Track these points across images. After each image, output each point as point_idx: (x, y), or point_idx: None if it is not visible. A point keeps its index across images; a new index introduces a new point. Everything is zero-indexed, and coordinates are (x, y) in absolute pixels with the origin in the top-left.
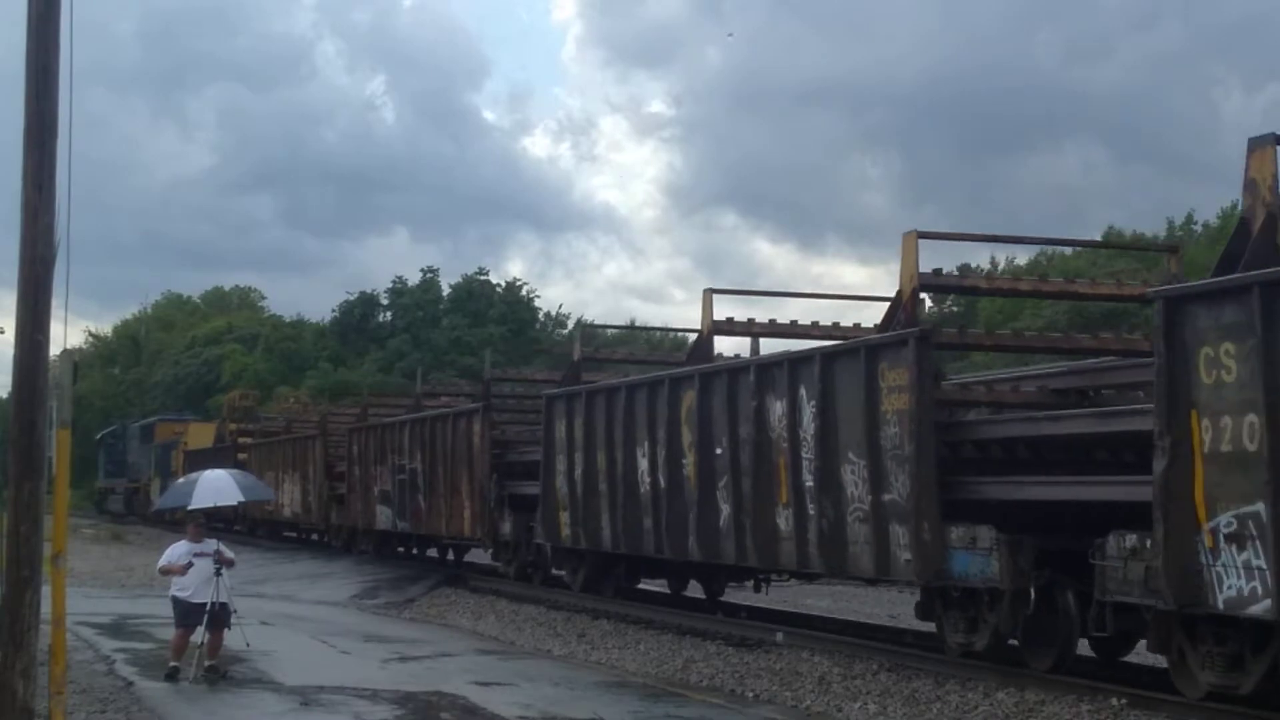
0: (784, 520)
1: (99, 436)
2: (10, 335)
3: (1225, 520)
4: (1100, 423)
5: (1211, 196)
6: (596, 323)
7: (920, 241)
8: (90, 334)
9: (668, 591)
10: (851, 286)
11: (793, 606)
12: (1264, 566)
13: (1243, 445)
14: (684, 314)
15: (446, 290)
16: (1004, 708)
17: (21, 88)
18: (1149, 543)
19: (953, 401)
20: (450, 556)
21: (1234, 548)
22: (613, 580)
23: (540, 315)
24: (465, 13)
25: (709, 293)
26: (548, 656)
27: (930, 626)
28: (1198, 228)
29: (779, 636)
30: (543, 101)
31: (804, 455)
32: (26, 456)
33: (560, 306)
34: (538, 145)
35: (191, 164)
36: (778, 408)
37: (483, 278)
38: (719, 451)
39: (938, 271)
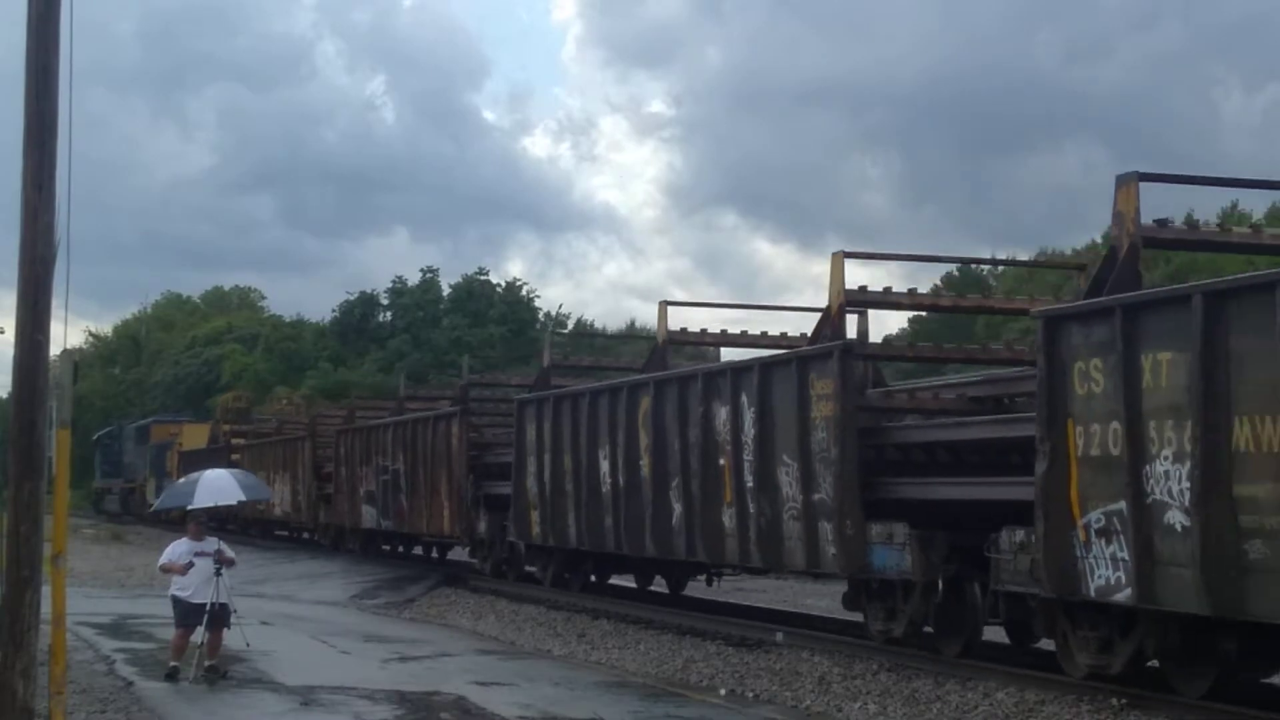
0: (728, 518)
1: (95, 437)
2: (10, 335)
3: (1095, 517)
4: (995, 429)
5: (1211, 197)
6: (596, 323)
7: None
8: (90, 334)
9: (634, 586)
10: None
11: (793, 606)
12: (1126, 558)
13: (1109, 450)
14: (685, 315)
15: (446, 290)
16: (1004, 708)
17: (21, 88)
18: (1034, 537)
19: (875, 408)
20: (435, 554)
21: (1103, 541)
22: (580, 576)
23: (540, 315)
24: (465, 13)
25: (663, 305)
26: (548, 656)
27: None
28: None
29: (779, 636)
30: (543, 101)
31: (745, 458)
32: (26, 456)
33: (560, 306)
34: (538, 145)
35: (191, 164)
36: (722, 413)
37: (483, 278)
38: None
39: (863, 289)
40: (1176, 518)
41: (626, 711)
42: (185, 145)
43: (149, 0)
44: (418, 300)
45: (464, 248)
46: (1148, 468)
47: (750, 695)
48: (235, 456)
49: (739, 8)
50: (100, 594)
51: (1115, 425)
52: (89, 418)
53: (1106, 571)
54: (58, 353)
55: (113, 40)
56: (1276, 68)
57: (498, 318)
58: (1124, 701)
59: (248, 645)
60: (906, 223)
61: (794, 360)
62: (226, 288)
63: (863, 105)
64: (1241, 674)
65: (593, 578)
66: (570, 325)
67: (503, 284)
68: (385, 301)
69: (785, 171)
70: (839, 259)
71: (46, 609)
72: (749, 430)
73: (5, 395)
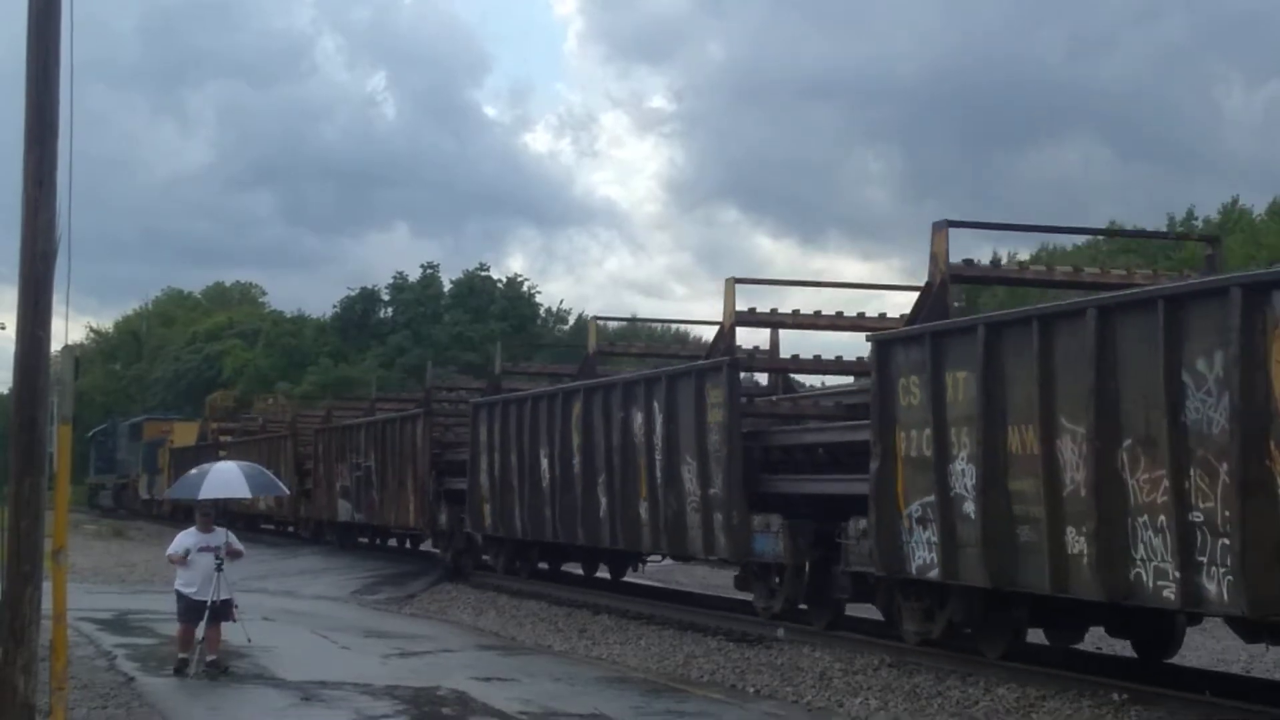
0: (644, 510)
1: (90, 434)
2: (11, 331)
3: (915, 508)
4: (845, 433)
5: (1213, 192)
6: (601, 316)
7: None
8: (91, 330)
9: (581, 573)
10: (853, 280)
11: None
12: (936, 542)
13: (923, 452)
14: (685, 308)
15: (448, 286)
16: (1005, 703)
17: (22, 85)
18: (870, 525)
19: (762, 414)
20: (408, 545)
21: (920, 528)
22: (527, 564)
23: (541, 311)
24: (466, 8)
25: (731, 282)
26: (548, 652)
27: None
28: (1198, 223)
29: (780, 632)
30: (544, 97)
31: (656, 457)
32: (27, 452)
33: (561, 302)
34: (539, 141)
35: (192, 160)
36: (639, 418)
37: (484, 273)
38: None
39: (753, 310)
40: (969, 508)
41: (628, 707)
42: (185, 141)
43: None
44: (419, 296)
45: (465, 243)
46: (950, 466)
47: (751, 690)
48: (222, 453)
49: (740, 2)
50: (101, 589)
51: (928, 431)
52: (90, 413)
53: (923, 553)
54: (59, 349)
55: (113, 36)
56: (1278, 64)
57: (499, 313)
58: (1125, 697)
59: (249, 641)
60: (909, 218)
61: (693, 372)
62: (227, 283)
63: (865, 100)
64: (1056, 642)
65: (544, 565)
66: (571, 321)
67: (504, 280)
68: (386, 297)
69: (787, 167)
70: (731, 284)
71: (47, 605)
72: (659, 433)
73: (6, 391)
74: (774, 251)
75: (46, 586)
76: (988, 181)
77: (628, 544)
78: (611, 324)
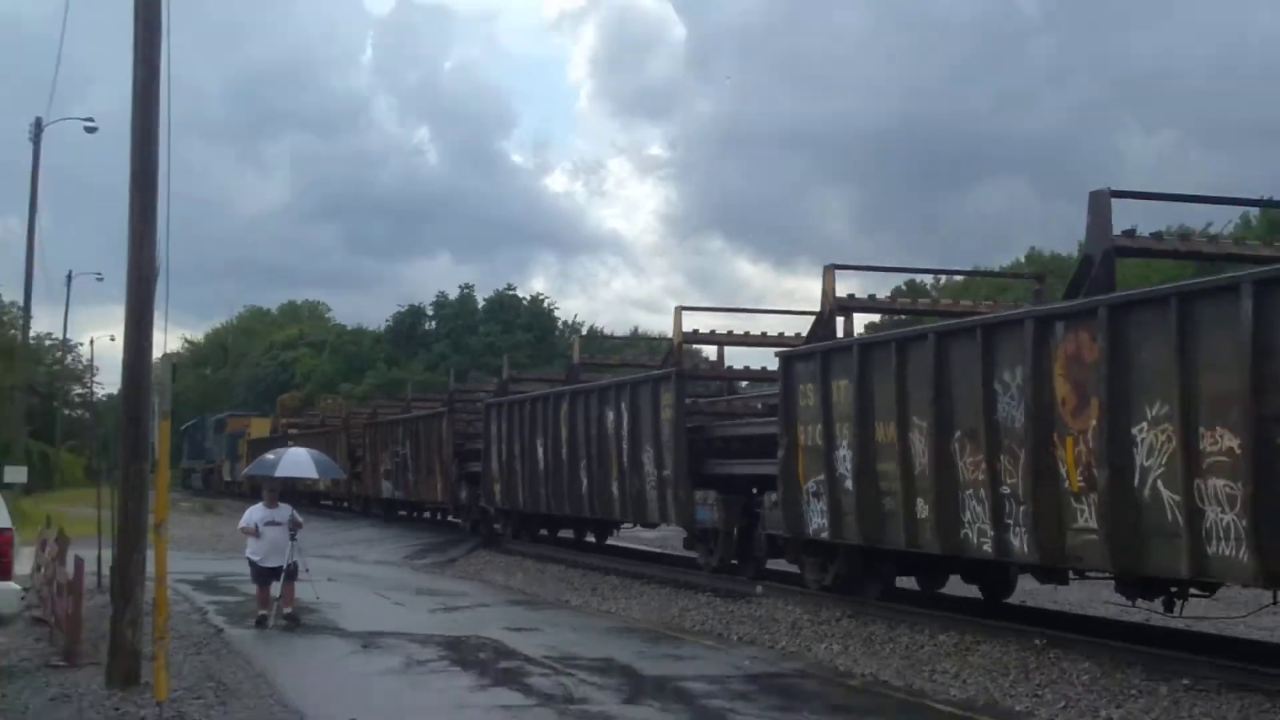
0: (615, 488)
1: (184, 427)
2: (120, 343)
3: (811, 484)
4: (760, 427)
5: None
6: (605, 330)
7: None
8: (186, 340)
9: (573, 536)
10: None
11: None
12: (826, 510)
13: (816, 442)
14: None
15: (481, 303)
16: (945, 647)
17: (129, 140)
18: (778, 498)
19: (704, 412)
20: (438, 517)
21: (815, 499)
22: (530, 530)
23: (559, 324)
24: (496, 73)
25: (679, 309)
26: (566, 607)
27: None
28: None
29: (759, 589)
30: (560, 147)
31: (623, 446)
32: (133, 443)
33: (575, 316)
34: (556, 183)
35: (270, 200)
36: (610, 415)
37: (511, 293)
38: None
39: (695, 331)
40: (849, 484)
41: (632, 652)
42: (265, 184)
43: (234, 63)
44: (457, 311)
45: (496, 268)
46: (835, 453)
47: (735, 638)
48: (290, 444)
49: (725, 67)
50: (195, 556)
51: (819, 426)
52: (184, 411)
53: (817, 519)
54: (159, 357)
55: (204, 98)
56: (1170, 116)
57: (524, 325)
58: (1044, 641)
59: (317, 599)
60: (865, 247)
61: (650, 380)
62: (299, 301)
63: (828, 148)
64: (925, 588)
65: (544, 531)
66: (584, 331)
67: (528, 298)
68: (430, 313)
69: (763, 204)
70: (679, 312)
71: (151, 569)
72: (625, 427)
73: (115, 392)
74: (752, 274)
75: (149, 554)
76: (932, 216)
77: (603, 514)
78: (617, 335)
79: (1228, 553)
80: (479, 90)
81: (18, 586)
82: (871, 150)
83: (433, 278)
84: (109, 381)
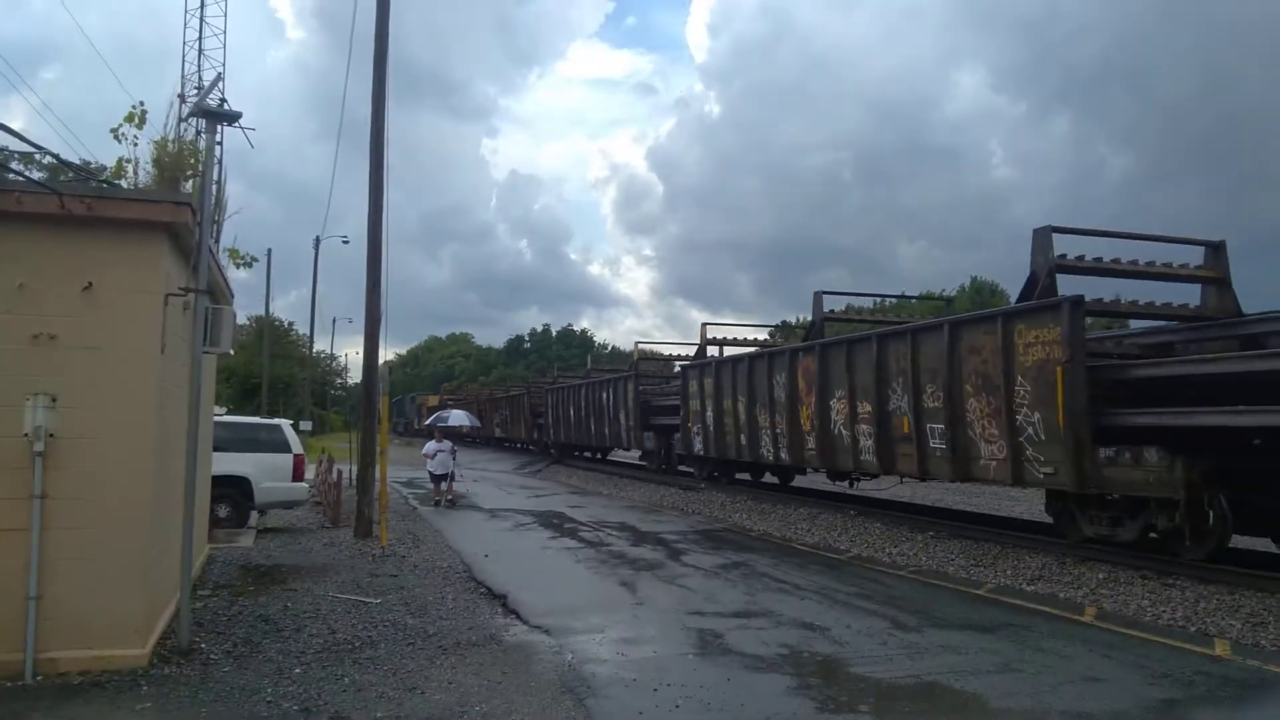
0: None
1: (394, 400)
2: (360, 355)
3: (696, 428)
4: (674, 399)
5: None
6: (621, 350)
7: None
8: (397, 355)
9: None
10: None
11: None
12: (702, 441)
13: (706, 419)
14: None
15: (555, 334)
16: (802, 515)
17: (366, 246)
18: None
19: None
20: (608, 458)
21: (697, 436)
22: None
23: (595, 347)
24: (563, 210)
25: (704, 325)
26: (600, 494)
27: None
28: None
29: (702, 485)
30: (596, 250)
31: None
32: (369, 409)
33: (603, 342)
34: (595, 269)
35: (440, 278)
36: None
37: (570, 328)
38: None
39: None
40: (711, 429)
41: (636, 518)
42: (438, 270)
43: (423, 203)
44: (541, 340)
45: (560, 315)
46: (706, 415)
47: (690, 511)
48: (451, 408)
49: (684, 208)
50: (403, 471)
51: (697, 404)
52: (394, 391)
53: (699, 445)
54: (382, 362)
55: (406, 222)
56: (923, 231)
57: (577, 346)
58: (855, 511)
59: (465, 492)
60: (766, 305)
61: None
62: (457, 333)
63: (741, 250)
64: (755, 478)
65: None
66: (608, 351)
67: (579, 330)
68: (527, 339)
69: (708, 281)
70: (704, 327)
71: (378, 475)
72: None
73: (358, 381)
74: (700, 318)
75: (377, 468)
76: (796, 290)
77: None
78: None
79: (869, 459)
80: (553, 219)
81: (305, 485)
82: (764, 252)
83: (527, 321)
84: (354, 376)
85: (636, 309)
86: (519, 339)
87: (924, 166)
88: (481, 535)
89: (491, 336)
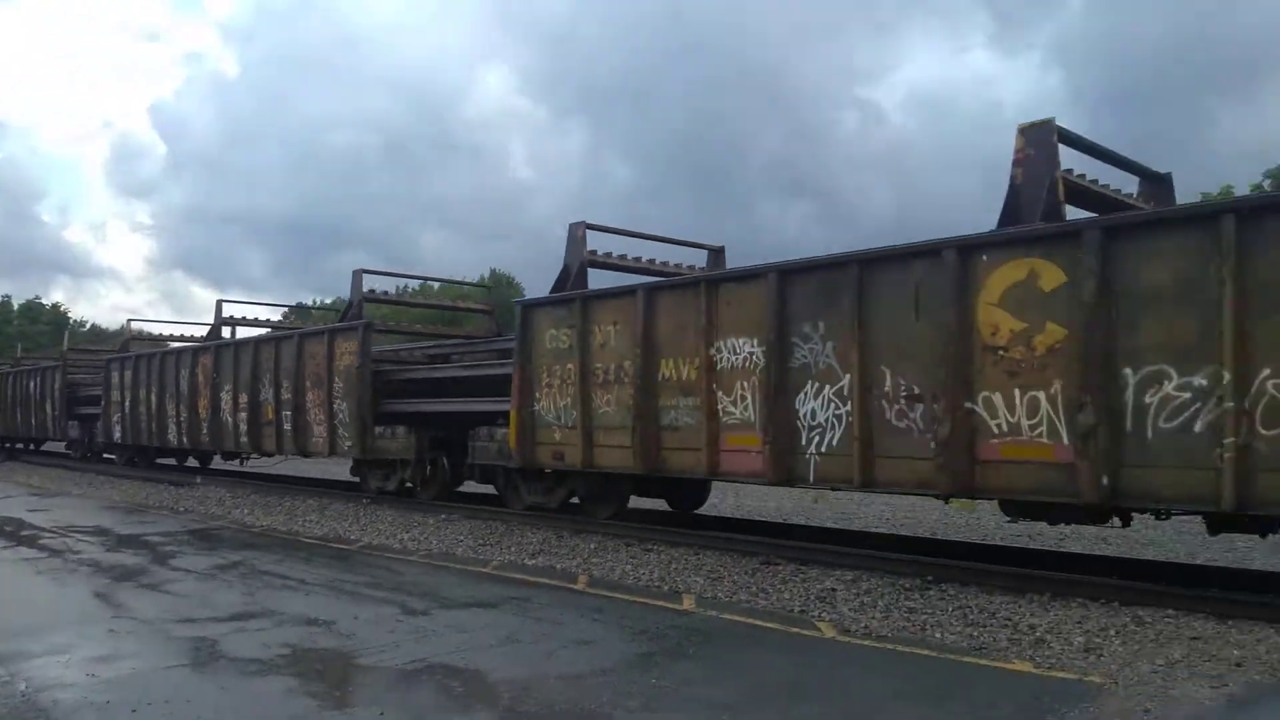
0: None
1: None
2: None
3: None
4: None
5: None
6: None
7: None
8: None
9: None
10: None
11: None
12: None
13: (125, 408)
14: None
15: (16, 308)
16: (312, 507)
17: None
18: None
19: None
20: (41, 449)
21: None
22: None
23: (72, 324)
24: (36, 162)
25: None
26: (71, 494)
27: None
28: None
29: (198, 480)
30: (77, 212)
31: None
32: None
33: (84, 319)
34: (73, 234)
35: None
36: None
37: (41, 302)
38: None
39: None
40: (129, 416)
41: (115, 520)
42: None
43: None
44: None
45: (27, 288)
46: (126, 404)
47: (181, 510)
48: None
49: (190, 174)
50: None
51: (124, 393)
52: None
53: (118, 431)
54: None
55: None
56: (445, 222)
57: (46, 321)
58: (366, 501)
59: None
60: (278, 285)
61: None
62: None
63: (255, 225)
64: (203, 465)
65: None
66: (86, 329)
67: (50, 305)
68: None
69: (214, 256)
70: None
71: None
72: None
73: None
74: (205, 295)
75: None
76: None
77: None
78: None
79: (245, 441)
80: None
81: None
82: (281, 228)
83: None
84: None
85: (127, 282)
86: None
87: (451, 157)
88: None
89: None
